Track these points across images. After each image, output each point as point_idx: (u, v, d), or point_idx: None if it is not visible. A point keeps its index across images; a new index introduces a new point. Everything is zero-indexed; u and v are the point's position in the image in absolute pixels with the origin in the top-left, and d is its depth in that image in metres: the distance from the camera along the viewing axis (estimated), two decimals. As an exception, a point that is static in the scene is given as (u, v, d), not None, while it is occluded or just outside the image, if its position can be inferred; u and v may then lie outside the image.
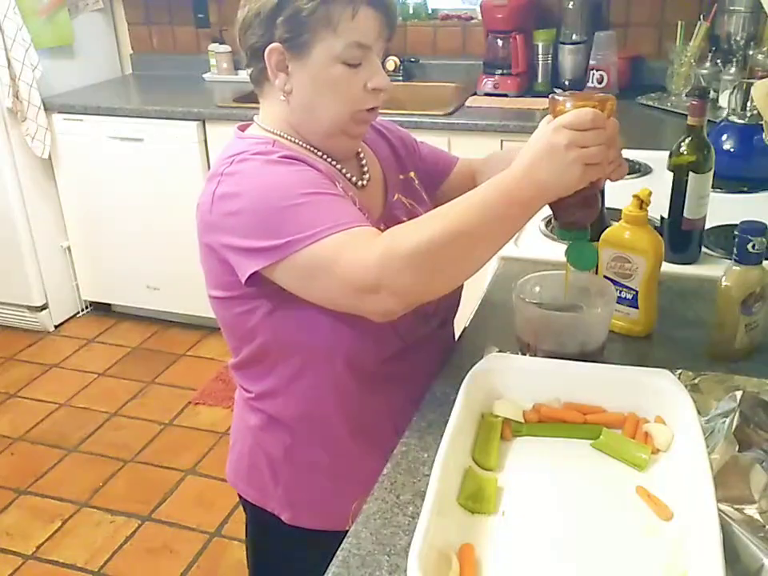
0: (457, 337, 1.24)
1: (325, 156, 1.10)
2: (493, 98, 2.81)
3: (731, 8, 2.49)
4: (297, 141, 1.09)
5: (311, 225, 0.93)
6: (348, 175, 1.12)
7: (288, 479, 1.15)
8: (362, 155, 1.18)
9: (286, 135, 1.08)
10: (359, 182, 1.14)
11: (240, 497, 1.24)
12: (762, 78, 1.74)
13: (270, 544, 1.24)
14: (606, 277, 1.15)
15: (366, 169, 1.17)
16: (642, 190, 1.12)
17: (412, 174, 1.25)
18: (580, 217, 0.97)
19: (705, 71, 2.53)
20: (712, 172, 1.32)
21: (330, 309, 0.99)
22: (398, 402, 1.10)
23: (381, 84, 1.05)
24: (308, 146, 1.09)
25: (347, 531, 0.84)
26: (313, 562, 0.92)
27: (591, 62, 2.77)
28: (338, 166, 1.11)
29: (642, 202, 1.12)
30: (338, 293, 0.95)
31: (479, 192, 0.91)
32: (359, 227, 0.94)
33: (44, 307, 3.34)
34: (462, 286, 1.21)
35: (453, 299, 1.23)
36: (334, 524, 1.09)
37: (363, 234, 0.93)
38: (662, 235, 1.41)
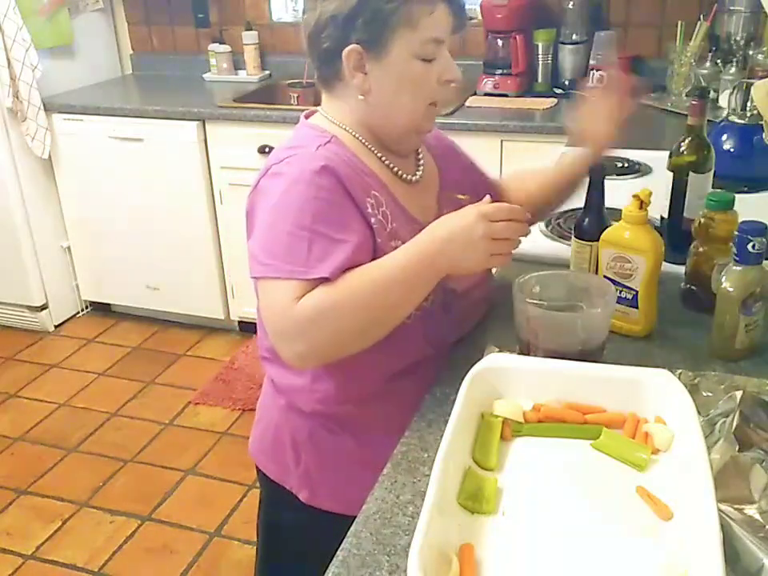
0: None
1: (379, 154, 1.12)
2: (493, 97, 2.81)
3: (731, 8, 2.49)
4: (358, 136, 1.11)
5: (290, 261, 0.98)
6: (395, 169, 1.14)
7: (310, 460, 1.17)
8: (420, 155, 1.21)
9: (350, 130, 1.11)
10: (411, 177, 1.16)
11: (258, 470, 1.27)
12: (762, 77, 1.74)
13: (283, 521, 1.26)
14: (605, 277, 1.15)
15: (421, 167, 1.19)
16: (642, 190, 1.12)
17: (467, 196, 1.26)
18: None
19: (705, 71, 2.53)
20: (712, 172, 1.32)
21: None
22: (417, 399, 1.11)
23: (454, 76, 1.09)
24: (366, 142, 1.11)
25: None
26: (323, 542, 0.93)
27: (591, 62, 2.77)
28: (387, 162, 1.13)
29: (642, 202, 1.12)
30: (268, 327, 1.03)
31: (394, 265, 1.00)
32: (315, 280, 0.98)
33: (44, 307, 3.34)
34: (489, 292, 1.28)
35: (483, 305, 1.26)
36: (352, 508, 1.09)
37: (306, 288, 0.97)
38: (662, 235, 1.42)
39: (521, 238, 1.02)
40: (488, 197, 1.06)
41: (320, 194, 1.01)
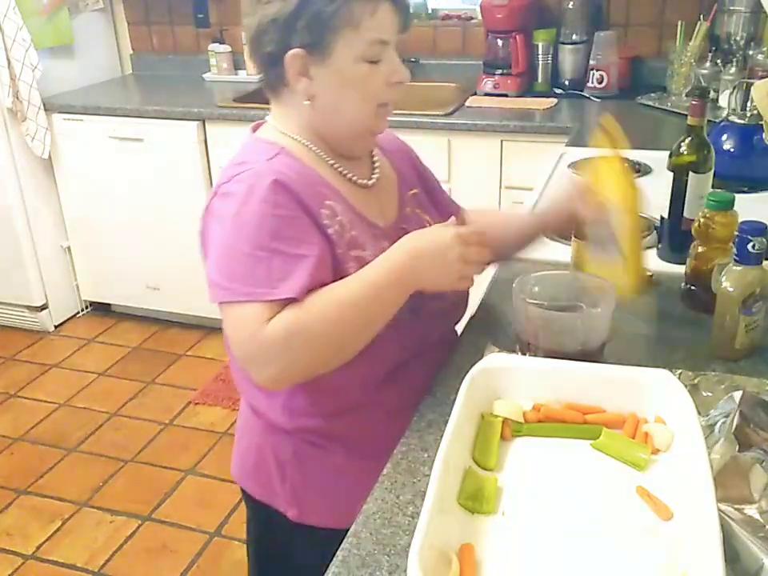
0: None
1: (331, 161, 1.10)
2: (493, 98, 2.81)
3: (731, 8, 2.49)
4: (308, 144, 1.09)
5: (252, 283, 0.96)
6: (349, 175, 1.12)
7: (296, 477, 1.15)
8: (375, 157, 1.19)
9: (298, 138, 1.09)
10: (366, 182, 1.14)
11: (243, 492, 1.24)
12: (762, 77, 1.74)
13: (273, 540, 1.24)
14: None
15: (376, 170, 1.17)
16: (605, 118, 1.09)
17: (416, 190, 1.25)
18: None
19: (705, 71, 2.53)
20: (712, 172, 1.32)
21: None
22: (406, 404, 1.10)
23: (403, 77, 1.07)
24: (317, 149, 1.09)
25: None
26: (316, 558, 0.92)
27: (591, 62, 2.77)
28: (340, 168, 1.11)
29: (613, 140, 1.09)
30: (236, 352, 0.99)
31: (364, 282, 0.98)
32: (281, 301, 0.95)
33: (44, 307, 3.34)
34: (469, 292, 1.25)
35: (462, 299, 1.24)
36: (343, 522, 1.09)
37: (256, 315, 0.95)
38: (661, 235, 1.42)
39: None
40: (453, 218, 1.06)
41: (275, 210, 0.98)
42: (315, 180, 1.06)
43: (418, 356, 1.13)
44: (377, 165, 1.18)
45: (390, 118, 1.12)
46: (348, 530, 0.85)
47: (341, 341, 0.98)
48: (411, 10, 1.09)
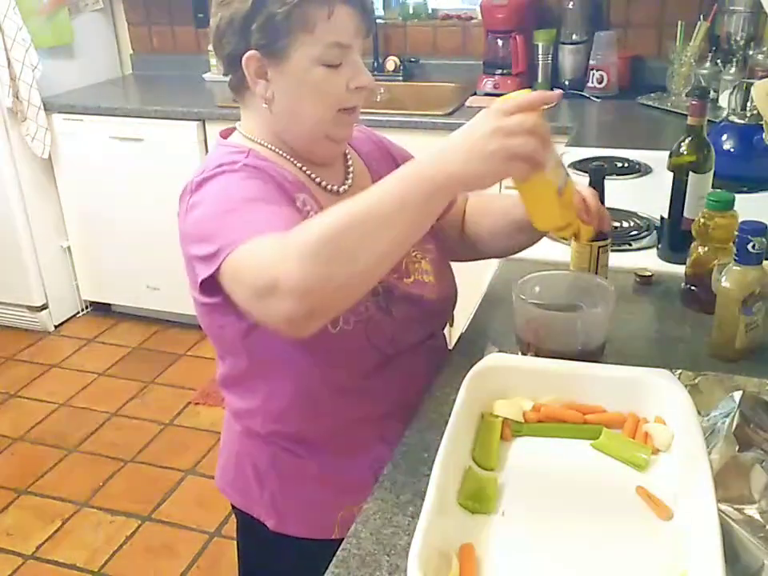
0: (456, 337, 1.24)
1: (299, 164, 1.08)
2: (493, 98, 2.80)
3: (731, 8, 2.49)
4: (274, 148, 1.07)
5: (237, 232, 0.89)
6: (318, 180, 1.09)
7: (274, 486, 1.14)
8: (349, 162, 1.16)
9: (264, 143, 1.07)
10: (338, 188, 1.11)
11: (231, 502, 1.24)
12: (762, 77, 1.74)
13: (256, 549, 1.23)
14: None
15: (350, 176, 1.14)
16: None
17: None
18: None
19: (705, 71, 2.53)
20: (712, 172, 1.32)
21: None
22: (381, 412, 1.10)
23: (364, 82, 1.04)
24: (284, 154, 1.07)
25: (332, 540, 0.83)
26: (297, 569, 0.91)
27: (591, 62, 2.77)
28: (309, 172, 1.08)
29: None
30: (247, 301, 0.88)
31: (386, 178, 0.82)
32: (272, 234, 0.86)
33: (44, 307, 3.34)
34: (455, 296, 1.21)
35: (445, 307, 1.20)
36: (320, 532, 1.08)
37: (268, 238, 0.85)
38: (661, 235, 1.42)
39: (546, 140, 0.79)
40: None
41: (253, 181, 0.97)
42: (285, 176, 1.04)
43: (395, 363, 1.10)
44: (351, 171, 1.15)
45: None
46: (326, 540, 0.84)
47: (367, 242, 0.80)
48: (373, 14, 1.04)
